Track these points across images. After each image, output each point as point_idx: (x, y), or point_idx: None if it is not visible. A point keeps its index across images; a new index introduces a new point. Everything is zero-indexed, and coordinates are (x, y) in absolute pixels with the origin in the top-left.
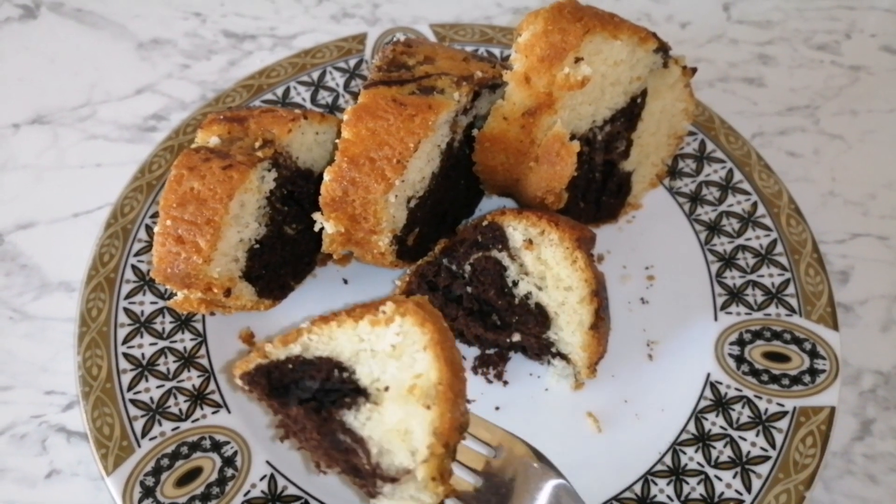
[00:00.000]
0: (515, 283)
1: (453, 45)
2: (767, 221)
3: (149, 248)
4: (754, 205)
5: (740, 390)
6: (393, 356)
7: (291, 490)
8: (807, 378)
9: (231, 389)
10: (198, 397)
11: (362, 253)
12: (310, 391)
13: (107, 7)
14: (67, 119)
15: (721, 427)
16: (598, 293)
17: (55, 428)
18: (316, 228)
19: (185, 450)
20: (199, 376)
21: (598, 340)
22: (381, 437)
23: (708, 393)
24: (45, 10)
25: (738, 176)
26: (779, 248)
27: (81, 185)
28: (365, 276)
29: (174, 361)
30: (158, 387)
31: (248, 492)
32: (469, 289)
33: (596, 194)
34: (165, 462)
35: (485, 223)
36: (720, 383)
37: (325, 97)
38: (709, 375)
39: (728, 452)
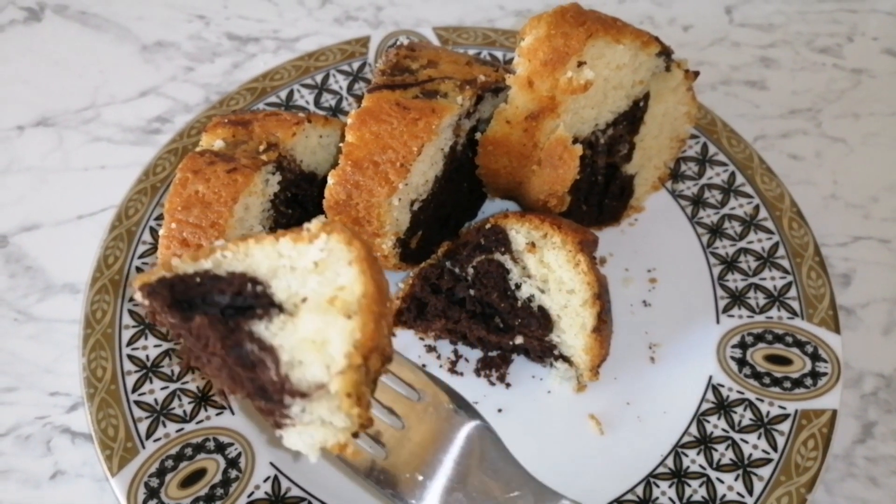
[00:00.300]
0: (518, 286)
1: (456, 48)
2: (769, 224)
3: (153, 250)
4: (756, 208)
5: (742, 393)
6: (315, 272)
7: (295, 492)
8: (808, 381)
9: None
10: (202, 399)
11: None
12: (218, 306)
13: (111, 9)
14: (72, 121)
15: (723, 429)
16: (601, 296)
17: (60, 429)
18: None
19: (189, 451)
20: (203, 378)
21: (600, 343)
22: (293, 346)
23: (710, 395)
24: (50, 13)
25: (740, 179)
26: (781, 251)
27: (86, 187)
28: None
29: (178, 363)
30: (163, 388)
31: (252, 493)
32: (472, 291)
33: (598, 197)
34: (170, 463)
35: (488, 226)
36: (722, 386)
37: (328, 100)
38: (711, 378)
39: (730, 455)
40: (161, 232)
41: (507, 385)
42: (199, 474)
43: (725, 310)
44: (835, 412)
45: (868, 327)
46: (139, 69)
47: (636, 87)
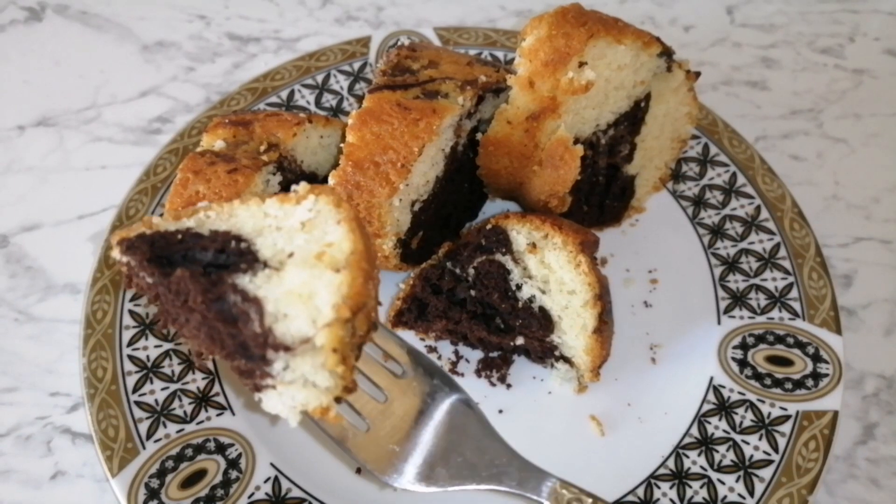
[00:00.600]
0: (519, 287)
1: (457, 48)
2: (770, 225)
3: None
4: (757, 208)
5: (743, 394)
6: (302, 231)
7: (295, 492)
8: (810, 382)
9: (235, 392)
10: (202, 399)
11: None
12: (200, 263)
13: (111, 9)
14: (72, 121)
15: (724, 431)
16: (602, 297)
17: (60, 429)
18: None
19: (189, 452)
20: (203, 378)
21: (601, 344)
22: (278, 298)
23: (711, 397)
24: (51, 13)
25: (741, 179)
26: (782, 252)
27: (86, 187)
28: None
29: (179, 363)
30: (163, 389)
31: (253, 494)
32: (473, 292)
33: (599, 198)
34: (170, 464)
35: (488, 227)
36: (723, 387)
37: (329, 100)
38: (712, 379)
39: (731, 456)
40: None
41: (508, 386)
42: (199, 475)
43: (726, 311)
44: (836, 413)
45: (869, 328)
46: (140, 69)
47: (637, 87)
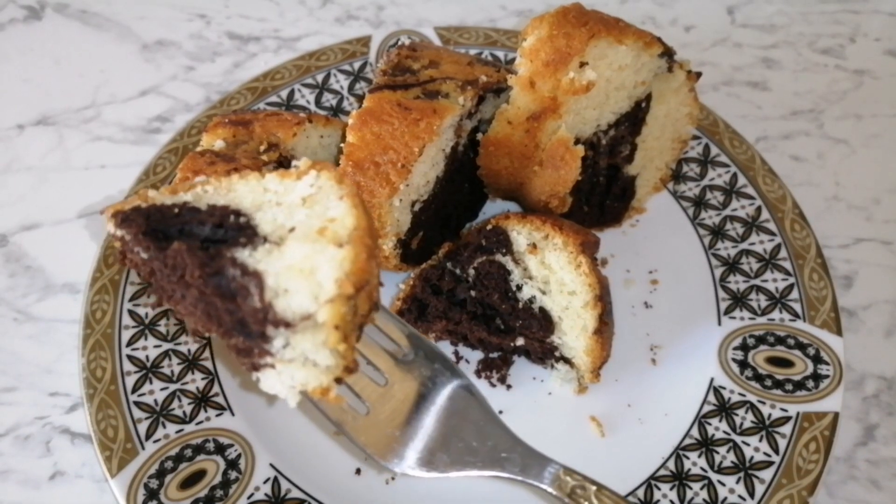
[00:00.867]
0: (519, 287)
1: (458, 48)
2: (771, 226)
3: None
4: (758, 209)
5: (744, 395)
6: (303, 207)
7: (295, 493)
8: (810, 383)
9: (235, 392)
10: (202, 400)
11: None
12: (197, 237)
13: (111, 8)
14: (72, 120)
15: (724, 432)
16: (602, 297)
17: (59, 430)
18: None
19: (189, 452)
20: (203, 379)
21: (601, 345)
22: (279, 272)
23: (711, 398)
24: (50, 12)
25: (742, 180)
26: (783, 253)
27: (86, 186)
28: None
29: (178, 364)
30: (163, 389)
31: (252, 495)
32: (473, 293)
33: (600, 198)
34: (169, 464)
35: (489, 227)
36: (724, 388)
37: (329, 100)
38: (712, 380)
39: (731, 457)
40: None
41: (508, 387)
42: (198, 475)
43: (727, 311)
44: (836, 415)
45: (870, 329)
46: (140, 68)
47: (638, 87)
